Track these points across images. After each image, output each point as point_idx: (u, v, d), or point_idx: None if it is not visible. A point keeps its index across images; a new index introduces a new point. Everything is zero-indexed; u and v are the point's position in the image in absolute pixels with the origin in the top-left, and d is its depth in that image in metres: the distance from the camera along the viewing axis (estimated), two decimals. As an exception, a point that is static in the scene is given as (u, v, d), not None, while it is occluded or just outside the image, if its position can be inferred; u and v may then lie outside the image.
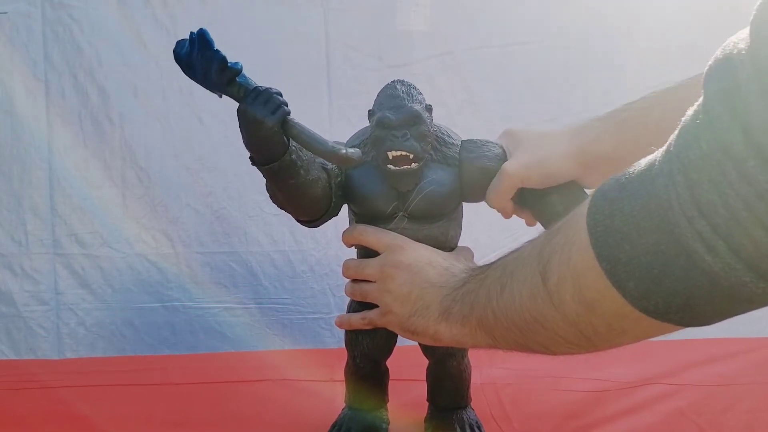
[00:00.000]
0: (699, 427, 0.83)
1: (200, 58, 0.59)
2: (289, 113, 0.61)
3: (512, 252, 0.55)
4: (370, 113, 0.71)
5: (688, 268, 0.38)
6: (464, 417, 0.80)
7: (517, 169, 0.69)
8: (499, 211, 0.74)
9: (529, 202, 0.73)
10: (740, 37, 0.35)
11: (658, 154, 0.40)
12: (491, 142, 0.74)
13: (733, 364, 1.02)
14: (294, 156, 0.64)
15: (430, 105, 0.71)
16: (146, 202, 1.30)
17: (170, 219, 1.30)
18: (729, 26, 0.36)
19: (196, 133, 1.29)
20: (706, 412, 0.86)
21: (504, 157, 0.72)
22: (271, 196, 0.69)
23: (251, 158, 0.65)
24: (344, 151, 0.61)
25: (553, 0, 1.29)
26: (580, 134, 0.69)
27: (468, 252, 0.74)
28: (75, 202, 1.29)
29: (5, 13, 1.26)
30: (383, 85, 0.72)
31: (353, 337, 0.78)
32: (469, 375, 0.81)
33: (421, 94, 0.71)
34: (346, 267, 0.73)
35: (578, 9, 1.28)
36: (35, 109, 1.28)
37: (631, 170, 0.42)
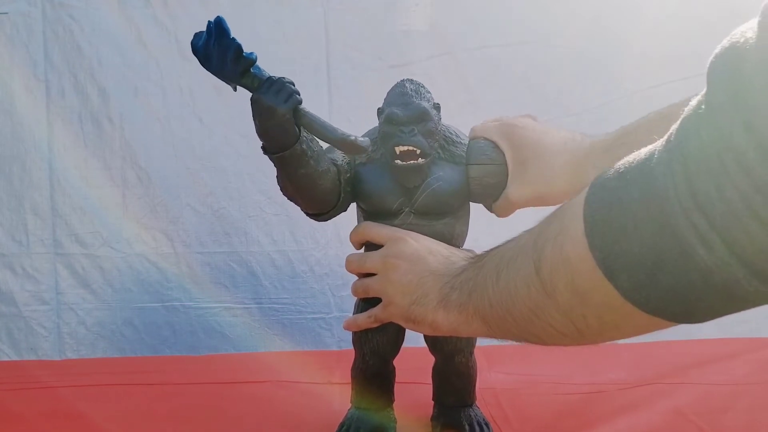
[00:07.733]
0: (699, 427, 0.83)
1: (217, 47, 0.60)
2: (300, 102, 0.63)
3: (510, 240, 0.55)
4: (380, 111, 0.73)
5: (681, 262, 0.37)
6: (472, 414, 0.80)
7: (519, 199, 0.74)
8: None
9: None
10: (748, 26, 0.34)
11: (659, 143, 0.39)
12: (495, 151, 0.74)
13: (733, 364, 1.01)
14: (305, 146, 0.66)
15: (438, 104, 0.73)
16: (146, 202, 1.30)
17: (170, 219, 1.31)
18: (728, 31, 0.35)
19: (196, 133, 1.29)
20: (706, 412, 0.86)
21: (504, 170, 0.73)
22: (281, 188, 0.71)
23: (263, 147, 0.66)
24: (353, 138, 0.63)
25: (552, 1, 1.29)
26: (582, 169, 0.69)
27: None
28: (75, 202, 1.29)
29: (5, 13, 1.26)
30: (383, 85, 0.74)
31: (363, 335, 0.78)
32: (476, 373, 0.81)
33: (429, 92, 0.73)
34: (348, 261, 0.73)
35: (577, 10, 1.28)
36: (35, 109, 1.28)
37: (631, 159, 0.41)
